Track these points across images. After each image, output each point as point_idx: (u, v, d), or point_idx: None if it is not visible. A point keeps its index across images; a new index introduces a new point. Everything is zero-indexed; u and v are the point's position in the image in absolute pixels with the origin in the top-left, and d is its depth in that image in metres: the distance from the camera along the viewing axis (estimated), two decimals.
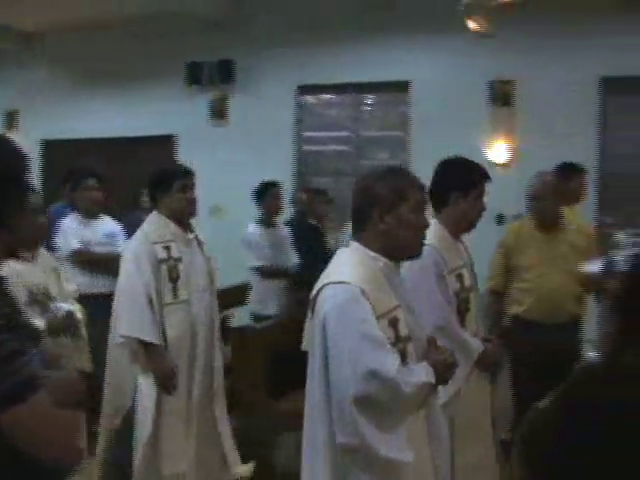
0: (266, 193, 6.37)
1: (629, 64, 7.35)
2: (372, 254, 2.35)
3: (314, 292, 2.32)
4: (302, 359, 2.40)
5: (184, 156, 9.12)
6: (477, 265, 3.50)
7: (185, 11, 8.46)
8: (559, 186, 4.54)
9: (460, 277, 3.20)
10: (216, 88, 9.01)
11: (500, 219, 7.06)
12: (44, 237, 3.88)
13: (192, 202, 3.99)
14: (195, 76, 9.03)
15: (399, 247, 2.39)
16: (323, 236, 6.95)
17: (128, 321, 3.76)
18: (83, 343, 3.40)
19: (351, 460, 2.19)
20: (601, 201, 7.41)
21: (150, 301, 3.77)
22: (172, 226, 3.95)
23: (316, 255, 6.03)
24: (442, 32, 7.85)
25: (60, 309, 3.34)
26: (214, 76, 8.93)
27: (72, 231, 5.40)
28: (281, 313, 5.94)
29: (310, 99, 8.83)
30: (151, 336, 3.73)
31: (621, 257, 1.65)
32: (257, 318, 5.93)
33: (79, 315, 3.39)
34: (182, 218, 3.99)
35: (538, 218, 4.53)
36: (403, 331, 2.31)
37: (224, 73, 8.89)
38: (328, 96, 8.81)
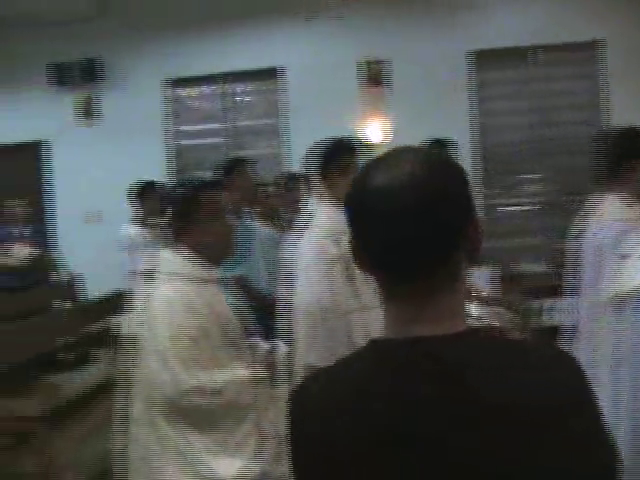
0: (145, 192, 6.18)
1: (494, 37, 7.61)
2: None
3: None
4: None
5: (54, 162, 8.77)
6: None
7: (42, 10, 8.06)
8: None
9: None
10: (82, 87, 8.60)
11: None
12: None
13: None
14: (59, 76, 8.58)
15: None
16: None
17: (318, 347, 2.97)
18: None
19: None
20: (485, 173, 7.85)
21: (341, 314, 2.98)
22: (339, 213, 3.08)
23: None
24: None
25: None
26: (79, 75, 8.50)
27: None
28: None
29: (181, 92, 8.62)
30: None
31: None
32: None
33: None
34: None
35: None
36: None
37: (89, 71, 8.48)
38: (199, 88, 8.60)
